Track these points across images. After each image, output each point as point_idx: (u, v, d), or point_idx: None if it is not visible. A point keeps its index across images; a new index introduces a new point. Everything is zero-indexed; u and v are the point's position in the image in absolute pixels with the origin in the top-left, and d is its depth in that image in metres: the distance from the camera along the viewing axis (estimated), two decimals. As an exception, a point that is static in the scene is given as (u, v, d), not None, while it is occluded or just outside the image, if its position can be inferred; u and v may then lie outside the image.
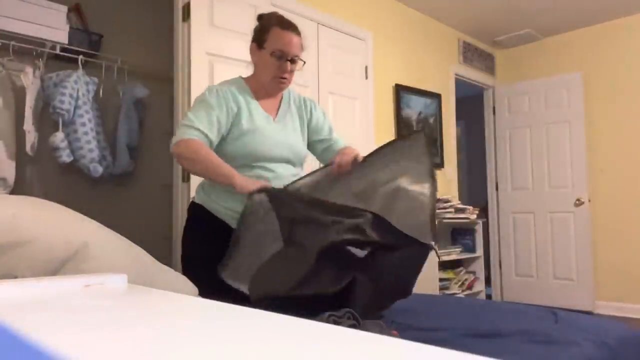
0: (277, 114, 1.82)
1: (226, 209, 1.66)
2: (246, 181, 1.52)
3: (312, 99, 1.98)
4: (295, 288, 1.26)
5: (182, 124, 1.64)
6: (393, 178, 1.62)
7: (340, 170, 1.69)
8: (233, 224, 1.63)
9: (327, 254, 1.30)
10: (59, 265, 0.90)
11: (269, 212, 1.48)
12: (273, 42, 1.69)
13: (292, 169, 1.81)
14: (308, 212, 1.40)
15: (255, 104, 1.75)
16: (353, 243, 1.35)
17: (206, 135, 1.60)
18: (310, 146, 1.94)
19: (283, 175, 1.73)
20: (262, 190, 1.49)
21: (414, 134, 1.73)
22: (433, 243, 1.47)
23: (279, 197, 1.49)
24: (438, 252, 1.53)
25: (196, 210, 1.74)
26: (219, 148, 1.67)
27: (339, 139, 1.95)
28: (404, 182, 1.60)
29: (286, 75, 1.73)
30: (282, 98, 1.87)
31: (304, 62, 1.79)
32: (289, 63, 1.72)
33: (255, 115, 1.73)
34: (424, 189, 1.55)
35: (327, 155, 1.93)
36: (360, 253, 1.38)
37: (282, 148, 1.74)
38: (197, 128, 1.60)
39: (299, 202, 1.46)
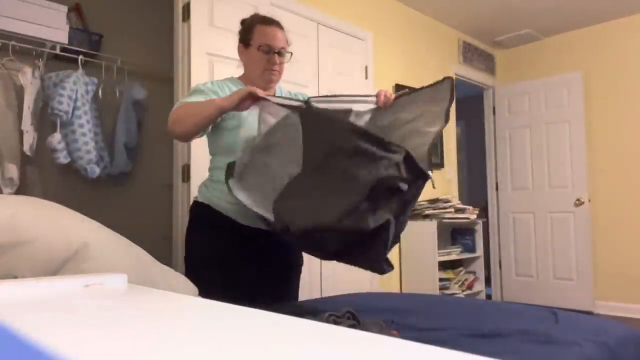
0: None
1: (232, 204, 1.64)
2: (230, 96, 1.51)
3: (304, 93, 1.98)
4: (342, 219, 1.23)
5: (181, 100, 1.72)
6: (413, 119, 1.61)
7: (386, 102, 1.71)
8: (240, 219, 1.64)
9: (376, 189, 1.27)
10: (59, 265, 0.90)
11: (290, 130, 1.46)
12: (258, 38, 1.74)
13: None
14: (357, 142, 1.35)
15: None
16: (395, 180, 1.31)
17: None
18: None
19: None
20: (289, 106, 1.53)
21: (444, 80, 1.73)
22: (430, 172, 1.45)
23: (316, 118, 1.46)
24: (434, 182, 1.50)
25: (199, 210, 1.74)
26: (216, 141, 1.71)
27: None
28: (420, 123, 1.59)
29: (275, 67, 1.77)
30: (275, 93, 1.89)
31: (291, 54, 1.83)
32: (276, 56, 1.76)
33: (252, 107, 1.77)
34: (435, 127, 1.55)
35: None
36: (404, 190, 1.33)
37: None
38: (184, 101, 1.66)
39: (346, 128, 1.41)
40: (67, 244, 0.93)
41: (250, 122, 1.68)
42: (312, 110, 1.48)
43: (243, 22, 1.84)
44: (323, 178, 1.35)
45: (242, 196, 1.46)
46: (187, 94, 1.77)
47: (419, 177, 1.40)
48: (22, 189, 2.58)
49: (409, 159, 1.36)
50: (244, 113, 1.66)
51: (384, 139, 1.40)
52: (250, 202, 1.45)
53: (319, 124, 1.46)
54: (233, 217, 1.66)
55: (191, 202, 1.84)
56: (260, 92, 1.49)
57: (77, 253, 0.93)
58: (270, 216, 1.40)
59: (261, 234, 1.65)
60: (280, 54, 1.77)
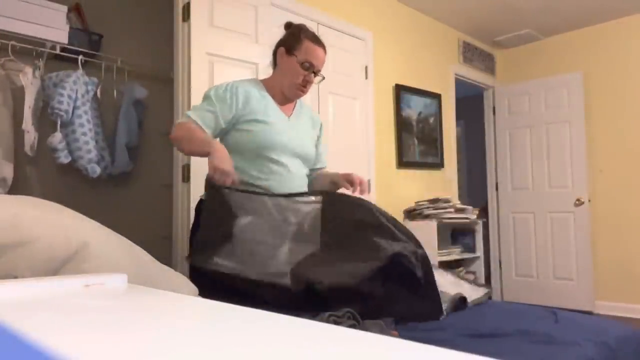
0: (292, 113, 1.91)
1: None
2: (223, 157, 1.53)
3: (318, 115, 2.10)
4: (363, 282, 1.30)
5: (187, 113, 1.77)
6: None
7: (362, 189, 1.75)
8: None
9: (394, 261, 1.35)
10: (59, 265, 0.90)
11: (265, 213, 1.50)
12: (304, 53, 1.79)
13: (303, 169, 1.87)
14: (381, 220, 1.46)
15: (270, 100, 1.83)
16: (411, 260, 1.39)
17: (196, 123, 1.69)
18: None
19: (296, 173, 1.80)
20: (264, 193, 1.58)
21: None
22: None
23: (339, 201, 1.54)
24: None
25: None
26: (230, 139, 1.75)
27: (325, 163, 2.08)
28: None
29: (308, 87, 1.84)
30: (295, 105, 1.95)
31: (323, 78, 1.89)
32: (312, 75, 1.83)
33: (270, 110, 1.80)
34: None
35: (310, 175, 1.99)
36: (417, 272, 1.40)
37: (295, 144, 1.81)
38: (189, 116, 1.71)
39: (369, 207, 1.50)
40: (67, 244, 0.93)
41: (267, 125, 1.75)
42: (335, 196, 1.56)
43: (290, 26, 1.89)
44: (346, 250, 1.40)
45: (227, 264, 1.46)
46: (202, 99, 1.80)
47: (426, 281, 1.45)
48: (20, 189, 2.58)
49: (424, 258, 1.43)
50: (262, 117, 1.75)
51: (410, 232, 1.51)
52: (239, 268, 1.45)
53: (342, 204, 1.53)
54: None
55: (195, 202, 1.84)
56: (227, 181, 1.51)
57: (77, 253, 0.93)
58: (276, 280, 1.39)
59: None
60: (316, 74, 1.84)
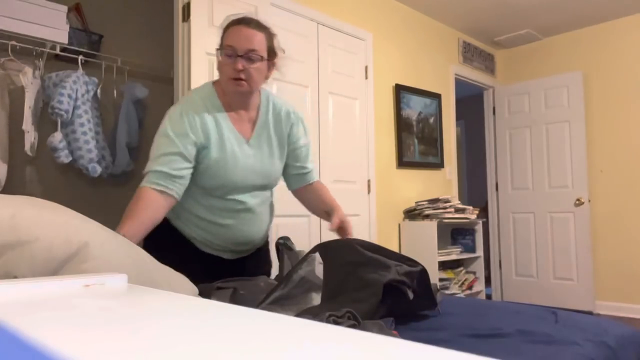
0: (252, 132, 1.63)
1: (201, 235, 1.64)
2: None
3: (299, 114, 1.76)
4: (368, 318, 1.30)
5: (146, 170, 1.50)
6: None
7: (342, 234, 1.71)
8: (204, 249, 1.64)
9: (389, 289, 1.35)
10: (60, 265, 0.90)
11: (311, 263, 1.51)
12: (225, 40, 1.52)
13: (263, 194, 1.71)
14: (373, 255, 1.45)
15: (226, 124, 1.57)
16: (404, 285, 1.40)
17: (163, 172, 1.46)
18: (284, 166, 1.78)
19: (253, 206, 1.64)
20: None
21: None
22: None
23: (332, 248, 1.53)
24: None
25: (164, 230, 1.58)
26: (194, 180, 1.56)
27: (314, 170, 1.82)
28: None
29: (241, 75, 1.49)
30: (259, 109, 1.65)
31: (269, 62, 1.55)
32: (240, 60, 1.48)
33: (227, 140, 1.56)
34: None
35: (297, 182, 1.81)
36: (409, 295, 1.42)
37: (254, 177, 1.61)
38: (154, 170, 1.47)
39: (362, 248, 1.49)
40: (67, 244, 0.93)
41: (223, 164, 1.55)
42: (324, 249, 1.52)
43: None
44: (343, 296, 1.39)
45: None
46: (156, 139, 1.53)
47: (427, 298, 1.47)
48: (20, 189, 2.58)
49: (422, 276, 1.44)
50: (217, 154, 1.53)
51: (403, 255, 1.51)
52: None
53: (332, 253, 1.51)
54: (199, 246, 1.64)
55: None
56: None
57: (78, 253, 0.93)
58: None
59: (225, 262, 1.68)
60: (249, 59, 1.49)
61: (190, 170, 1.51)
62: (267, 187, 1.70)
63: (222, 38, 1.54)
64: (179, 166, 1.48)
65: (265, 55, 1.53)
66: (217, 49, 1.56)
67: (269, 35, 1.56)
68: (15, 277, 0.87)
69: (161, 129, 1.52)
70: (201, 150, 1.53)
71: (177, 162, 1.48)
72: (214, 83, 1.63)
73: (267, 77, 1.60)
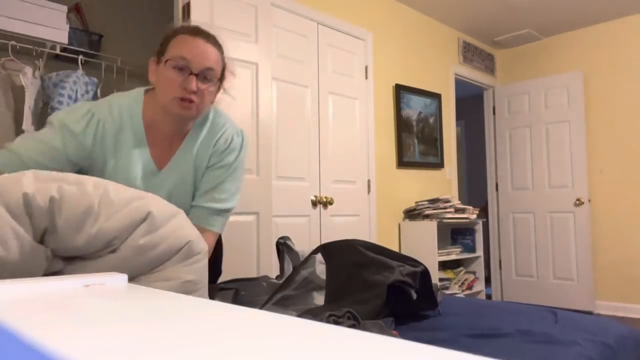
0: (170, 160, 1.36)
1: None
2: None
3: (243, 141, 1.46)
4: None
5: (8, 145, 1.22)
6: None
7: None
8: None
9: (392, 290, 1.36)
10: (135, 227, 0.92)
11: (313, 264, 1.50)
12: (175, 48, 1.26)
13: None
14: (375, 256, 1.46)
15: (139, 148, 1.31)
16: (408, 286, 1.41)
17: (22, 162, 1.18)
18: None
19: None
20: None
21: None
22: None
23: (334, 248, 1.53)
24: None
25: None
26: None
27: (219, 219, 1.39)
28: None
29: (192, 97, 1.25)
30: (191, 134, 1.37)
31: (220, 82, 1.33)
32: (194, 78, 1.25)
33: (135, 164, 1.30)
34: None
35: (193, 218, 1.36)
36: (412, 295, 1.42)
37: None
38: (10, 150, 1.20)
39: (364, 248, 1.50)
40: (139, 212, 0.93)
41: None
42: (328, 245, 1.52)
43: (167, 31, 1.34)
44: (348, 298, 1.40)
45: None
46: (49, 119, 1.28)
47: (427, 299, 1.49)
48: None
49: (424, 276, 1.45)
50: (120, 180, 1.25)
51: (406, 255, 1.53)
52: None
53: (337, 251, 1.51)
54: None
55: None
56: None
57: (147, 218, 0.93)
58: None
59: None
60: (204, 77, 1.27)
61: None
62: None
63: (169, 46, 1.28)
64: (47, 164, 1.19)
65: (219, 76, 1.33)
66: (157, 61, 1.31)
67: (223, 54, 1.36)
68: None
69: (61, 118, 1.25)
70: (101, 166, 1.28)
71: (50, 160, 1.21)
72: (146, 92, 1.36)
73: (212, 102, 1.37)
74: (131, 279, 0.87)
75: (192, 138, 1.38)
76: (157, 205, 0.94)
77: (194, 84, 1.25)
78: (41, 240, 0.85)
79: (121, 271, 0.83)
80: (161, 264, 0.93)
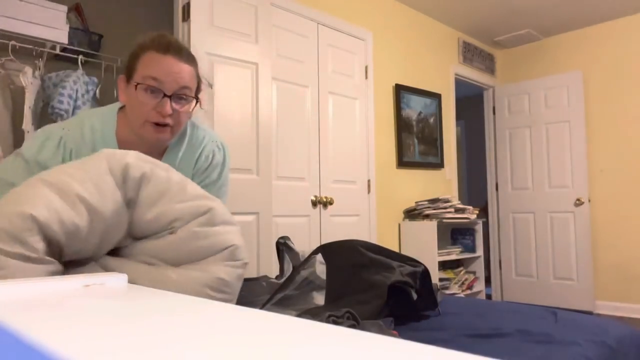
0: None
1: None
2: None
3: (224, 153, 1.40)
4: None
5: None
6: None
7: None
8: None
9: (392, 290, 1.36)
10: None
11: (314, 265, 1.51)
12: (144, 67, 1.16)
13: None
14: (376, 256, 1.46)
15: None
16: (409, 286, 1.41)
17: None
18: None
19: None
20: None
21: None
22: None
23: (334, 248, 1.53)
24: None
25: None
26: None
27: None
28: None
29: (167, 120, 1.17)
30: (169, 151, 1.30)
31: (197, 102, 1.23)
32: (168, 101, 1.16)
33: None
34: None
35: None
36: (412, 295, 1.42)
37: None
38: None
39: (364, 249, 1.50)
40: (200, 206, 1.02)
41: None
42: (328, 246, 1.53)
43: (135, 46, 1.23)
44: (349, 298, 1.39)
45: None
46: (18, 152, 1.19)
47: (428, 299, 1.49)
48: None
49: (424, 276, 1.46)
50: None
51: (406, 255, 1.53)
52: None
53: (337, 251, 1.52)
54: None
55: None
56: None
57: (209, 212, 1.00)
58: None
59: None
60: (179, 97, 1.19)
61: None
62: None
63: (138, 63, 1.19)
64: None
65: (194, 93, 1.24)
66: (126, 78, 1.22)
67: (197, 67, 1.26)
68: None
69: (25, 147, 1.17)
70: None
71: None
72: (120, 110, 1.28)
73: (189, 119, 1.30)
74: (177, 265, 0.96)
75: (172, 154, 1.31)
76: (221, 208, 1.03)
77: (168, 107, 1.16)
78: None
79: (173, 254, 0.94)
80: (205, 257, 0.98)
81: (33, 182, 0.87)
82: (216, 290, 0.96)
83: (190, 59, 1.23)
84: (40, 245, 0.81)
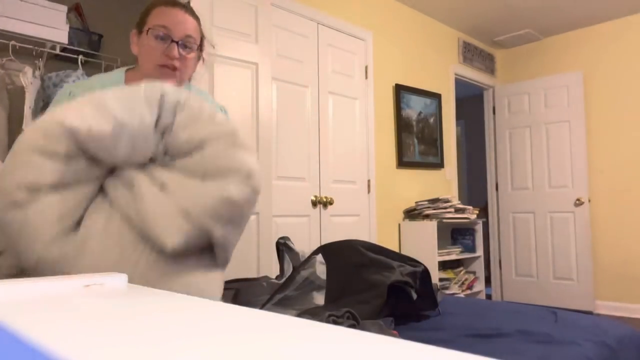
0: None
1: None
2: None
3: (224, 108, 1.52)
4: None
5: None
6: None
7: None
8: None
9: (392, 290, 1.37)
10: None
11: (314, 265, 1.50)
12: (154, 19, 1.33)
13: None
14: (376, 256, 1.47)
15: None
16: (408, 286, 1.41)
17: None
18: None
19: None
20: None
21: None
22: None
23: (334, 249, 1.53)
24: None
25: None
26: None
27: None
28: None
29: (175, 63, 1.31)
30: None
31: (200, 54, 1.38)
32: (176, 46, 1.31)
33: None
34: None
35: None
36: (412, 295, 1.42)
37: None
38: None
39: (364, 249, 1.50)
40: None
41: None
42: (329, 246, 1.53)
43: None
44: (349, 298, 1.39)
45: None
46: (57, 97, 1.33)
47: (428, 298, 1.49)
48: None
49: (424, 275, 1.46)
50: None
51: (406, 255, 1.54)
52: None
53: (337, 251, 1.52)
54: None
55: None
56: None
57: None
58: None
59: None
60: (185, 45, 1.33)
61: None
62: None
63: (148, 17, 1.36)
64: None
65: (198, 44, 1.39)
66: (138, 32, 1.37)
67: (200, 24, 1.41)
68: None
69: (62, 92, 1.30)
70: None
71: None
72: (127, 71, 1.41)
73: (193, 71, 1.44)
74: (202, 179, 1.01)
75: None
76: (242, 135, 1.10)
77: (176, 51, 1.30)
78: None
79: (200, 169, 0.99)
80: (226, 176, 1.02)
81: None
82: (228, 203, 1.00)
83: (195, 15, 1.39)
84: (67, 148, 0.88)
